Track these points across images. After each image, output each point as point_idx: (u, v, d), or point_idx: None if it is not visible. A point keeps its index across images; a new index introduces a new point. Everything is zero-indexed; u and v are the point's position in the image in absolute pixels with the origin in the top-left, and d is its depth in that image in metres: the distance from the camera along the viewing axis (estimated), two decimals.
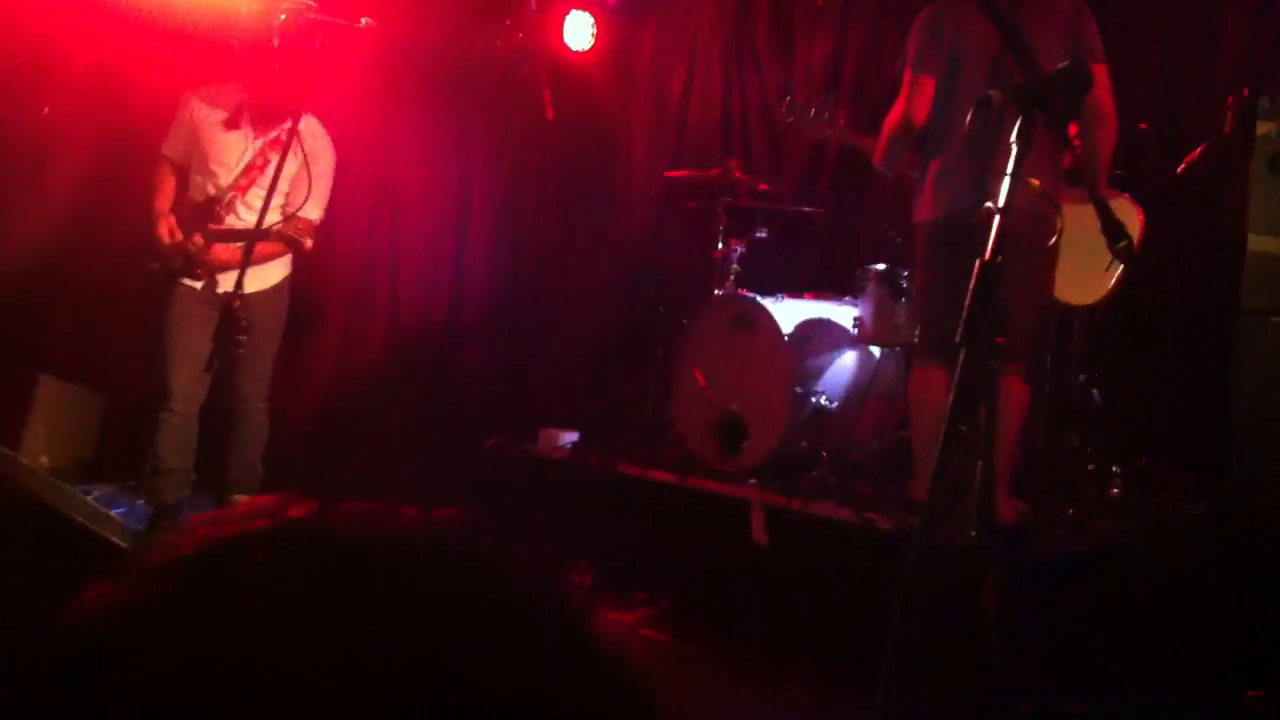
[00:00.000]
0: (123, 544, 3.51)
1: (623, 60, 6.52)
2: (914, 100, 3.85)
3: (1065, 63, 3.36)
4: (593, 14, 6.22)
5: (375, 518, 0.61)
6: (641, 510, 4.66)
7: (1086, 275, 3.78)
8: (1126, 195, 3.93)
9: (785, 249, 5.32)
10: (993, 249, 2.67)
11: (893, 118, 3.94)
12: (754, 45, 6.17)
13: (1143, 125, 4.77)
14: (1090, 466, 4.32)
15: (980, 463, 3.00)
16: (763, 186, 5.28)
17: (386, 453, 5.54)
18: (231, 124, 4.27)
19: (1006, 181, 2.65)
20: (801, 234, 5.39)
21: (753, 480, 4.60)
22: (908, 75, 3.91)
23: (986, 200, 3.84)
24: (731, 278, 5.12)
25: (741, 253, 5.16)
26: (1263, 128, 4.37)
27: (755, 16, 6.17)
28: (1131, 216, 3.73)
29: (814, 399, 4.67)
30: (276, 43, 4.12)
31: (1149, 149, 4.76)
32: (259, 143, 4.24)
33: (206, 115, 4.28)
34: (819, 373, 4.77)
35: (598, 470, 4.86)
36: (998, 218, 2.67)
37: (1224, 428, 4.28)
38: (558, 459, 5.15)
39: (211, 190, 4.25)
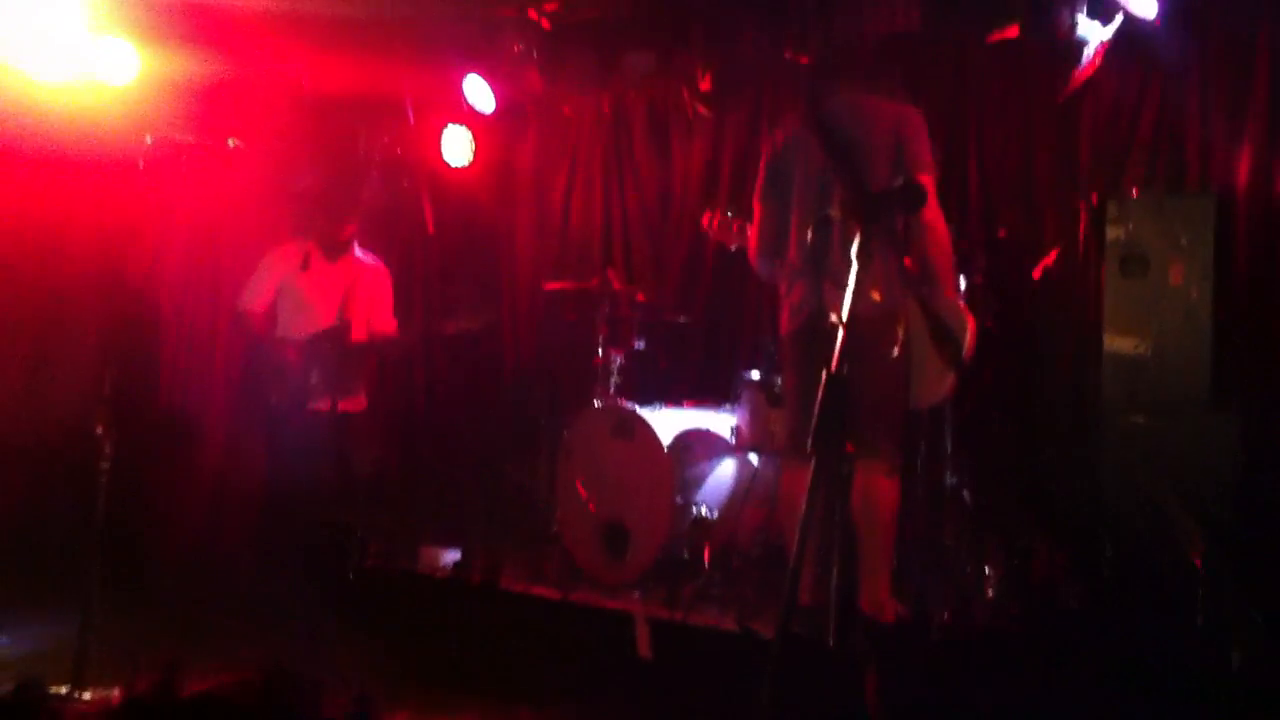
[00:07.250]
0: None
1: (503, 171, 6.57)
2: (760, 228, 4.18)
3: (899, 181, 3.50)
4: (470, 128, 6.27)
5: None
6: (526, 627, 4.58)
7: (924, 378, 3.90)
8: (961, 303, 4.07)
9: (664, 358, 5.36)
10: (837, 360, 2.72)
11: (749, 243, 4.25)
12: (632, 153, 6.27)
13: (1001, 233, 4.96)
14: (967, 568, 4.38)
15: (835, 567, 3.01)
16: (640, 297, 5.33)
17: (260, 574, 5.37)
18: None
19: (849, 295, 2.72)
20: (680, 343, 5.44)
21: (637, 593, 4.57)
22: (756, 205, 4.22)
23: (826, 308, 3.99)
24: (612, 387, 5.14)
25: (621, 362, 5.19)
26: (1112, 232, 4.55)
27: (633, 125, 6.28)
28: (964, 324, 3.87)
29: (695, 508, 4.68)
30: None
31: (1008, 254, 4.93)
32: None
33: None
34: (699, 481, 4.79)
35: (480, 588, 4.78)
36: (841, 330, 2.73)
37: (1095, 518, 4.39)
38: (438, 578, 5.04)
39: None
